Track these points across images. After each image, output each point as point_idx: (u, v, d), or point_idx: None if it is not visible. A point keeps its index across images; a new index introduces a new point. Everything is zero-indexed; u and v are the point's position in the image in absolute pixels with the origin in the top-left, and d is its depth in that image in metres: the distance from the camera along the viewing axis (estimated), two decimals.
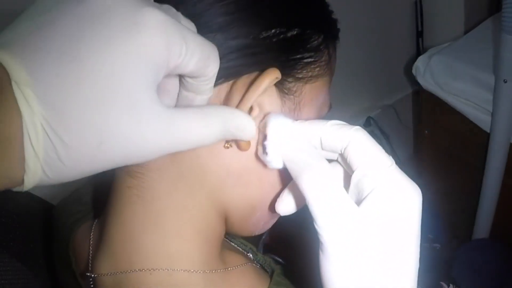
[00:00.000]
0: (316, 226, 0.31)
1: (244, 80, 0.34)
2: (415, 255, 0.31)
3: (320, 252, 0.31)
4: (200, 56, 0.28)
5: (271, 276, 0.43)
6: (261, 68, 0.34)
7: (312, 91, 0.38)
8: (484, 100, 0.97)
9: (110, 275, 0.39)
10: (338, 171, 0.35)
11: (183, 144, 0.28)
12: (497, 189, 1.02)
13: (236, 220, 0.41)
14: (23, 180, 0.25)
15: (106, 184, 0.53)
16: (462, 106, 1.03)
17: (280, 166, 0.34)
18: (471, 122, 1.03)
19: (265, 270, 0.45)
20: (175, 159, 0.36)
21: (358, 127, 0.32)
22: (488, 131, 0.98)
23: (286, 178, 0.39)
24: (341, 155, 0.33)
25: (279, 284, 0.41)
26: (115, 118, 0.25)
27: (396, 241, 0.30)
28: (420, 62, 1.11)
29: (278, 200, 0.37)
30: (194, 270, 0.38)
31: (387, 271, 0.30)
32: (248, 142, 0.35)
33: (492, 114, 0.94)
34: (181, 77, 0.31)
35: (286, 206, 0.37)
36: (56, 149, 0.24)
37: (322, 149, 0.34)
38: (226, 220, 0.41)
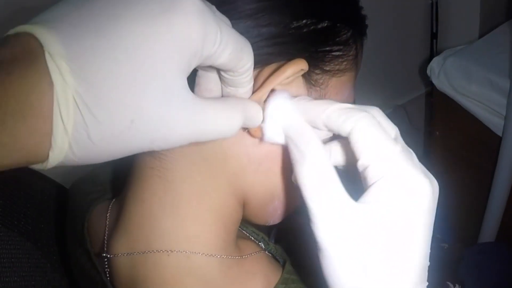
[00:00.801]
0: (311, 225, 0.30)
1: (271, 67, 0.34)
2: (419, 252, 0.29)
3: (319, 253, 0.30)
4: (233, 48, 0.28)
5: (283, 266, 0.43)
6: (290, 58, 0.34)
7: (338, 85, 0.39)
8: (498, 104, 0.97)
9: (126, 255, 0.39)
10: (335, 151, 0.34)
11: (206, 135, 0.29)
12: (506, 193, 1.03)
13: (254, 207, 0.41)
14: (47, 156, 0.24)
15: (125, 165, 0.54)
16: (475, 108, 1.03)
17: (280, 141, 0.34)
18: (483, 124, 1.03)
19: (276, 260, 0.46)
20: (199, 143, 0.37)
21: (364, 113, 0.30)
22: (500, 134, 0.98)
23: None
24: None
25: (291, 273, 0.42)
26: (147, 100, 0.25)
27: (397, 238, 0.29)
28: (435, 63, 1.12)
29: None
30: (211, 254, 0.38)
31: (388, 270, 0.29)
32: (258, 129, 0.35)
33: (505, 118, 0.95)
34: (220, 74, 0.32)
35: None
36: (86, 125, 0.24)
37: (326, 130, 0.33)
38: (244, 207, 0.41)
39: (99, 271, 0.42)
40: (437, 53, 1.45)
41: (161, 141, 0.27)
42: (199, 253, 0.38)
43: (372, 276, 0.29)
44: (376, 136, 0.30)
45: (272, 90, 0.35)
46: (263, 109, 0.34)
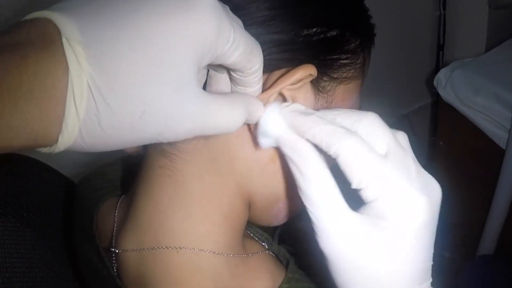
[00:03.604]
0: (316, 238, 0.31)
1: (280, 72, 0.35)
2: (417, 259, 0.31)
3: (327, 263, 0.32)
4: (244, 48, 0.29)
5: (286, 266, 0.44)
6: (299, 64, 0.35)
7: (345, 92, 0.39)
8: (503, 117, 0.98)
9: (134, 251, 0.40)
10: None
11: (211, 128, 0.29)
12: (506, 206, 1.03)
13: (259, 208, 0.42)
14: (56, 140, 0.24)
15: (135, 162, 0.55)
16: (480, 121, 1.04)
17: (274, 145, 0.35)
18: (487, 137, 1.04)
19: (279, 260, 0.46)
20: (208, 144, 0.37)
21: (347, 139, 0.30)
22: (504, 147, 0.99)
23: None
24: None
25: (295, 272, 0.43)
26: (160, 91, 0.25)
27: (395, 249, 0.30)
28: (442, 75, 1.12)
29: None
30: (218, 253, 0.39)
31: (388, 276, 0.31)
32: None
33: (510, 131, 0.95)
34: (230, 74, 0.33)
35: None
36: (98, 112, 0.24)
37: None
38: (249, 208, 0.42)
39: (107, 266, 0.43)
40: (443, 65, 1.46)
41: (169, 133, 0.27)
42: (207, 250, 0.38)
43: (371, 283, 0.31)
44: (361, 161, 0.30)
45: (281, 95, 0.35)
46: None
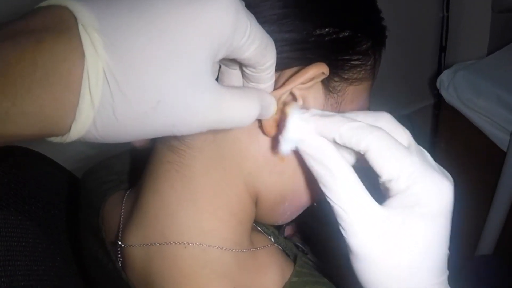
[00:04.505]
0: (345, 234, 0.32)
1: (292, 71, 0.35)
2: (443, 247, 0.32)
3: (353, 258, 0.33)
4: (259, 44, 0.29)
5: (294, 260, 0.44)
6: (310, 64, 0.35)
7: (355, 93, 0.39)
8: (505, 120, 0.98)
9: (141, 246, 0.40)
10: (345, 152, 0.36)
11: (225, 122, 0.29)
12: (506, 207, 1.04)
13: (265, 207, 0.42)
14: (69, 129, 0.24)
15: (141, 155, 0.54)
16: (482, 123, 1.04)
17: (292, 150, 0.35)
18: (488, 139, 1.04)
19: (286, 254, 0.47)
20: (217, 140, 0.38)
21: (376, 132, 0.31)
22: (505, 150, 0.99)
23: None
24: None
25: (303, 266, 0.43)
26: (175, 82, 0.25)
27: (426, 238, 0.32)
28: (445, 76, 1.13)
29: None
30: (226, 248, 0.39)
31: (417, 266, 0.32)
32: (273, 128, 0.35)
33: (511, 134, 0.96)
34: (243, 70, 0.33)
35: None
36: (113, 101, 0.24)
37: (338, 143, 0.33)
38: (256, 206, 0.42)
39: (112, 260, 0.42)
40: (445, 67, 1.46)
41: (182, 125, 0.27)
42: (215, 246, 0.38)
43: (405, 274, 0.32)
44: (392, 152, 0.31)
45: (291, 94, 0.35)
46: (280, 111, 0.35)
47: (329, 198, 0.32)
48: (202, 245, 0.38)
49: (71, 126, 0.24)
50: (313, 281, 0.42)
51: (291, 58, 0.35)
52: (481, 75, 1.05)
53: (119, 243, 0.41)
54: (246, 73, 0.32)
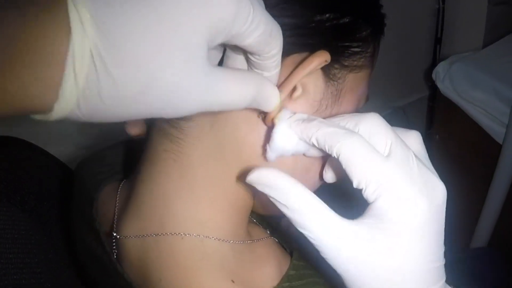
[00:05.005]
0: (327, 260, 0.32)
1: (293, 58, 0.34)
2: (420, 260, 0.31)
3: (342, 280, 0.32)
4: (263, 30, 0.28)
5: (290, 253, 0.44)
6: (311, 50, 0.34)
7: (354, 81, 0.39)
8: (501, 112, 0.98)
9: (137, 237, 0.39)
10: (329, 169, 0.37)
11: (216, 105, 0.28)
12: (501, 200, 1.04)
13: (263, 198, 0.41)
14: (52, 108, 0.23)
15: (137, 146, 0.53)
16: (478, 115, 1.04)
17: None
18: (484, 131, 1.04)
19: (283, 247, 0.46)
20: (215, 129, 0.37)
21: (348, 139, 0.31)
22: (501, 142, 0.99)
23: (319, 164, 0.40)
24: None
25: (300, 259, 0.42)
26: (167, 65, 0.24)
27: (396, 253, 0.30)
28: (440, 68, 1.12)
29: (324, 170, 0.39)
30: (224, 239, 0.38)
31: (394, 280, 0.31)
32: (271, 117, 0.35)
33: (507, 126, 0.96)
34: (247, 56, 0.32)
35: (329, 176, 0.38)
36: (99, 82, 0.23)
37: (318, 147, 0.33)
38: (253, 196, 0.41)
39: (107, 251, 0.42)
40: (440, 58, 1.46)
41: (171, 108, 0.26)
42: (212, 237, 0.38)
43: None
44: (362, 159, 0.30)
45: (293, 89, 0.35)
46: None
47: (297, 227, 0.32)
48: (199, 236, 0.38)
49: (54, 105, 0.23)
50: (310, 273, 0.41)
51: (292, 44, 0.34)
52: (478, 67, 1.05)
53: (114, 234, 0.41)
54: (251, 59, 0.31)
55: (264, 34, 0.28)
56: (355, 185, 0.31)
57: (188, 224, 0.38)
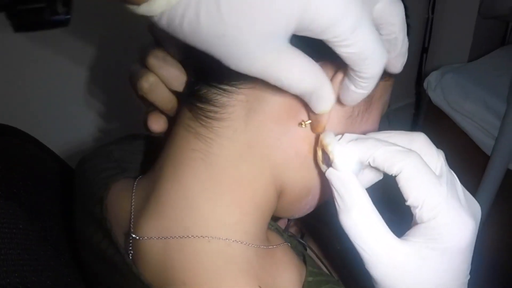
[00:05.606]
0: (365, 266, 0.32)
1: (331, 63, 0.35)
2: (461, 280, 0.33)
3: (374, 283, 0.33)
4: (356, 52, 0.28)
5: (303, 259, 0.43)
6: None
7: (383, 89, 0.39)
8: (490, 124, 1.01)
9: (159, 238, 0.37)
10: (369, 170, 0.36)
11: (275, 78, 0.29)
12: (486, 211, 1.07)
13: (288, 200, 0.41)
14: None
15: (146, 142, 0.52)
16: (467, 125, 1.06)
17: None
18: (473, 142, 1.06)
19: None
20: (247, 130, 0.36)
21: (409, 158, 0.31)
22: (489, 154, 1.01)
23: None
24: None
25: (312, 265, 0.42)
26: (253, 27, 0.26)
27: (442, 271, 0.32)
28: (432, 77, 1.14)
29: None
30: (248, 243, 0.37)
31: None
32: (321, 127, 0.35)
33: (496, 139, 0.98)
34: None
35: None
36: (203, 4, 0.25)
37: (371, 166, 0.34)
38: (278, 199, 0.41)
39: (121, 252, 0.40)
40: (426, 68, 1.49)
41: (236, 61, 0.28)
42: (239, 241, 0.37)
43: None
44: (421, 180, 0.31)
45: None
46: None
47: (346, 231, 0.33)
48: (226, 239, 0.36)
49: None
50: (325, 280, 0.41)
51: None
52: (470, 79, 1.08)
53: (133, 235, 0.39)
54: (349, 71, 0.31)
55: (358, 55, 0.28)
56: (409, 203, 0.31)
57: (215, 227, 0.37)
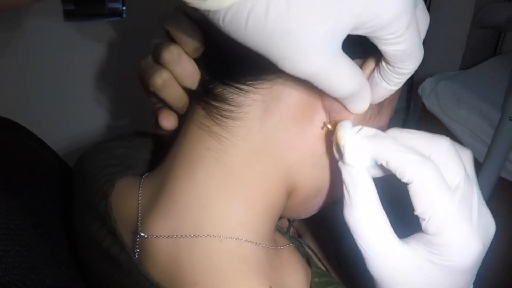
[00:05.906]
0: (365, 262, 0.32)
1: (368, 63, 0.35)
2: None
3: (374, 279, 0.33)
4: (403, 49, 0.28)
5: (307, 259, 0.43)
6: (362, 57, 0.35)
7: (395, 93, 0.39)
8: (483, 132, 1.02)
9: (168, 237, 0.37)
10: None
11: (324, 83, 0.29)
12: None
13: (298, 200, 0.41)
14: None
15: (149, 140, 0.51)
16: (460, 132, 1.08)
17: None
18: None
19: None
20: (263, 130, 0.36)
21: (423, 166, 0.30)
22: (481, 161, 1.03)
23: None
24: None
25: (316, 266, 0.42)
26: (310, 29, 0.26)
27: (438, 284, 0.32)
28: (427, 84, 1.16)
29: None
30: (259, 244, 0.37)
31: None
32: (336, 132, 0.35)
33: (489, 147, 0.99)
34: (381, 61, 0.32)
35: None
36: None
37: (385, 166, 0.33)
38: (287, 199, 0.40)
39: (127, 250, 0.39)
40: (416, 74, 1.50)
41: (289, 64, 0.27)
42: (250, 241, 0.36)
43: None
44: (431, 192, 0.30)
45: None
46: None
47: (349, 227, 0.32)
48: (238, 239, 0.36)
49: None
50: (329, 281, 0.41)
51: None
52: (464, 86, 1.09)
53: (141, 234, 0.38)
54: (382, 64, 0.31)
55: (404, 52, 0.28)
56: (417, 213, 0.31)
57: (227, 227, 0.36)
